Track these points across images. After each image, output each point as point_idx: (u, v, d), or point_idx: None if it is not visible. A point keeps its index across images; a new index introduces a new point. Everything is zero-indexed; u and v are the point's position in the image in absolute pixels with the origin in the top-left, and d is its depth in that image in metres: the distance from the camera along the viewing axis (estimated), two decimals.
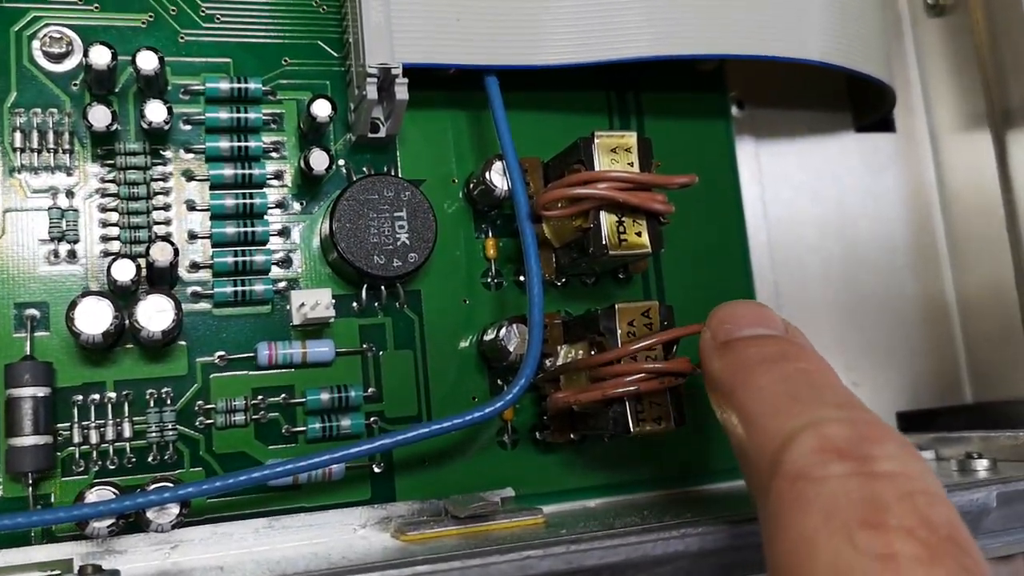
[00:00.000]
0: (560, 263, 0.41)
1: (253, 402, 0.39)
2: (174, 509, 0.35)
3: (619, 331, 0.37)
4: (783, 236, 0.52)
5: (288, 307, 0.40)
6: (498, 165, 0.41)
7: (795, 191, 0.53)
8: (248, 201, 0.40)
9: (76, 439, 0.37)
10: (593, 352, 0.38)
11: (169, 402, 0.38)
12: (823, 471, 0.25)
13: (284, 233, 0.40)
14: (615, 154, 0.38)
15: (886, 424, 0.27)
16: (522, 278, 0.43)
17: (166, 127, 0.38)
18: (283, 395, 0.40)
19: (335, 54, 0.42)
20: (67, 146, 0.38)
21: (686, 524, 0.32)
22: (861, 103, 0.54)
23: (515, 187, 0.39)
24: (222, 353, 0.39)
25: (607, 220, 0.38)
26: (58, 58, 0.39)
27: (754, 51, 0.44)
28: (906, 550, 0.23)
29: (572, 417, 0.41)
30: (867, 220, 0.54)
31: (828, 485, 0.25)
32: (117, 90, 0.39)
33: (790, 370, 0.29)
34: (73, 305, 0.35)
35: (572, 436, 0.41)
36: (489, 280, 0.43)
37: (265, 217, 0.40)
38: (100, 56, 0.37)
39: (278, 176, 0.41)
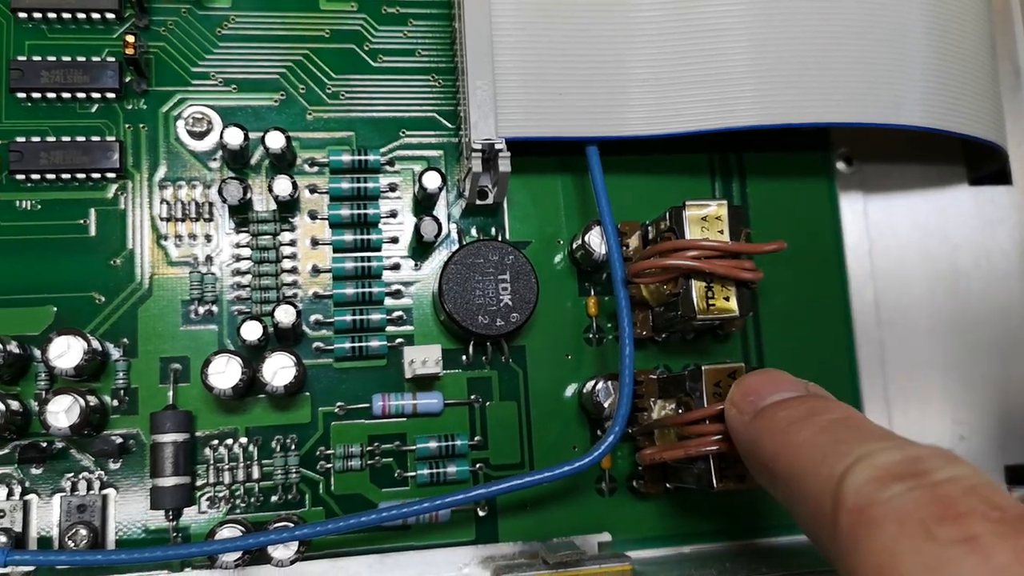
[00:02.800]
0: (657, 322, 0.42)
1: (368, 448, 0.41)
2: (295, 545, 0.38)
3: (705, 392, 0.37)
4: (890, 293, 0.50)
5: (401, 361, 0.42)
6: (597, 229, 0.41)
7: (904, 246, 0.51)
8: (366, 264, 0.42)
9: (211, 479, 0.39)
10: (680, 411, 0.38)
11: (294, 447, 0.41)
12: (886, 493, 0.26)
13: (398, 293, 0.42)
14: (705, 223, 0.38)
15: (930, 445, 0.28)
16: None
17: (292, 198, 0.41)
18: (396, 442, 0.42)
19: (450, 125, 0.44)
20: (207, 216, 0.41)
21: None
22: (975, 157, 0.52)
23: (612, 255, 0.40)
24: (341, 403, 0.41)
25: (696, 286, 0.38)
26: (200, 136, 0.42)
27: (851, 119, 0.43)
28: (986, 528, 0.24)
29: (664, 469, 0.41)
30: (980, 275, 0.51)
31: (894, 502, 0.26)
32: (253, 163, 0.42)
33: (824, 422, 0.30)
34: (207, 363, 0.38)
35: (667, 486, 0.42)
36: (591, 336, 0.44)
37: (382, 278, 0.42)
38: (234, 137, 0.40)
39: (394, 240, 0.43)
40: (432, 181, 0.41)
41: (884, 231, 0.51)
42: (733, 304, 0.38)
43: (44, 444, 0.39)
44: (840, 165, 0.50)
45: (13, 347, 0.38)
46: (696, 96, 0.43)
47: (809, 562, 0.40)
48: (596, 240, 0.41)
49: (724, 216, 0.39)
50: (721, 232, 0.39)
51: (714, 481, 0.37)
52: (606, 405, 0.41)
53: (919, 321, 0.50)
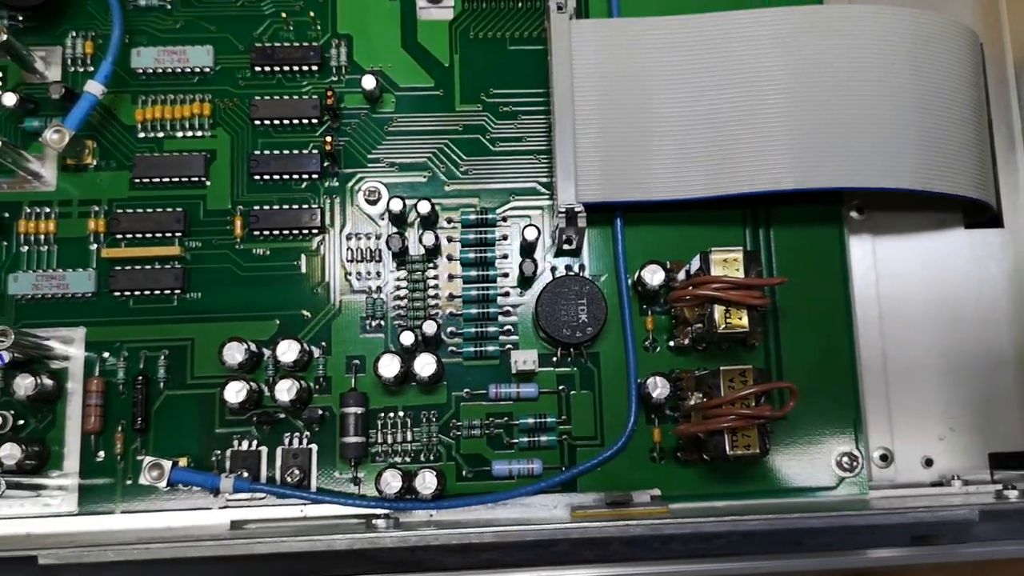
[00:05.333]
0: (695, 335, 0.54)
1: (485, 422, 0.53)
2: (433, 483, 0.51)
3: (722, 385, 0.49)
4: (893, 312, 0.57)
5: (510, 361, 0.53)
6: (649, 267, 0.53)
7: (907, 278, 0.58)
8: (485, 291, 0.54)
9: (379, 440, 0.52)
10: (704, 399, 0.50)
11: (435, 420, 0.53)
12: None
13: (508, 313, 0.55)
14: (726, 263, 0.50)
15: None
16: (672, 344, 0.55)
17: (435, 246, 0.54)
18: (504, 418, 0.53)
19: (546, 192, 0.56)
20: (377, 259, 0.54)
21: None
22: (969, 206, 0.59)
23: (622, 296, 0.53)
24: (468, 390, 0.53)
25: (718, 309, 0.50)
26: (373, 203, 0.55)
27: (868, 183, 0.52)
28: None
29: (699, 442, 0.53)
30: (972, 300, 0.58)
31: None
32: (409, 221, 0.55)
33: None
34: (377, 360, 0.50)
35: (704, 456, 0.53)
36: (647, 344, 0.55)
37: (496, 302, 0.54)
38: (396, 204, 0.53)
39: (505, 275, 0.54)
40: (531, 234, 0.53)
41: (890, 265, 0.58)
42: (745, 322, 0.50)
43: (272, 413, 0.51)
44: (853, 214, 0.59)
45: (252, 347, 0.51)
46: (743, 162, 0.53)
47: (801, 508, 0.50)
48: (648, 275, 0.54)
49: (740, 259, 0.51)
50: (738, 270, 0.51)
51: (727, 449, 0.49)
52: (654, 395, 0.53)
53: (918, 335, 0.57)
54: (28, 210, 0.54)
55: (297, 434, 0.52)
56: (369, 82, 0.55)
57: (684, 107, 0.53)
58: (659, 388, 0.52)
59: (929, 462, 0.56)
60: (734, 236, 0.56)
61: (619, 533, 0.40)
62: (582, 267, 0.55)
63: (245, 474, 0.51)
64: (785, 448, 0.54)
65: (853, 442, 0.54)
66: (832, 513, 0.42)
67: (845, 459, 0.54)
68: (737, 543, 0.42)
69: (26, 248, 0.54)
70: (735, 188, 0.53)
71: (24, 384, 0.49)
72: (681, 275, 0.54)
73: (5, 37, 0.51)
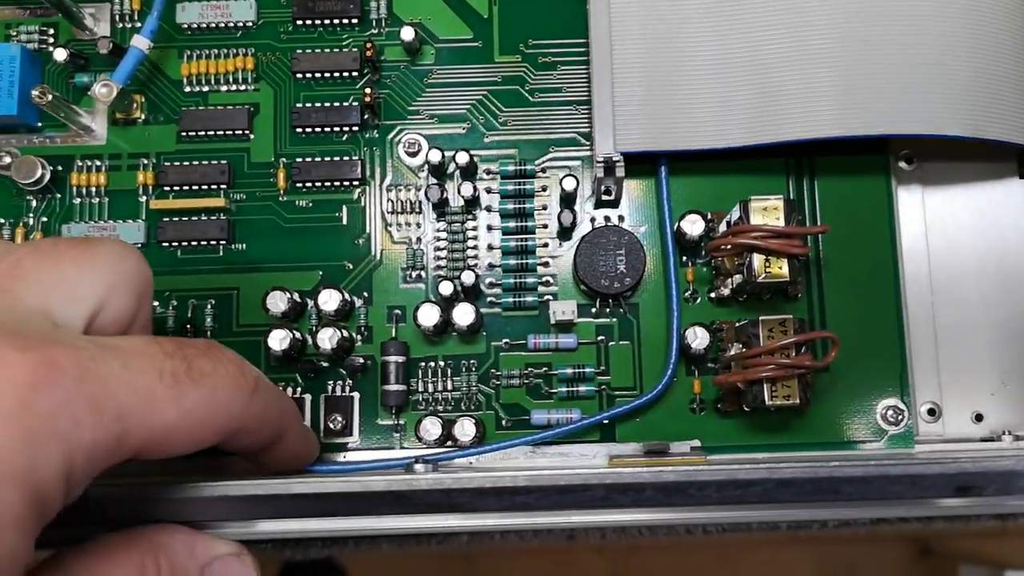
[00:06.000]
0: (735, 286, 0.52)
1: (524, 372, 0.52)
2: (472, 431, 0.51)
3: (761, 335, 0.48)
4: (944, 265, 0.55)
5: (548, 311, 0.53)
6: (689, 217, 0.52)
7: (958, 229, 0.56)
8: (524, 243, 0.53)
9: (419, 389, 0.52)
10: (743, 350, 0.49)
11: (475, 369, 0.52)
12: None
13: (546, 264, 0.54)
14: (766, 212, 0.49)
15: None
16: (712, 295, 0.54)
17: (474, 197, 0.54)
18: (543, 368, 0.52)
19: (585, 143, 0.55)
20: (417, 210, 0.54)
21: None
22: None
23: (668, 264, 0.51)
24: (507, 340, 0.52)
25: (757, 258, 0.48)
26: (413, 155, 0.54)
27: (895, 130, 0.50)
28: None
29: (738, 393, 0.52)
30: None
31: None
32: (448, 172, 0.55)
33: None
34: (416, 308, 0.51)
35: (744, 408, 0.52)
36: (687, 296, 0.54)
37: (535, 253, 0.54)
38: (435, 156, 0.53)
39: (544, 226, 0.54)
40: (569, 184, 0.52)
41: (940, 216, 0.56)
42: (785, 271, 0.48)
43: (315, 361, 0.52)
44: (902, 163, 0.57)
45: (296, 297, 0.51)
46: (787, 108, 0.51)
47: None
48: (688, 226, 0.52)
49: (780, 207, 0.49)
50: (778, 219, 0.49)
51: (766, 399, 0.48)
52: (693, 345, 0.52)
53: (969, 289, 0.55)
54: (80, 163, 0.55)
55: (340, 382, 0.52)
56: (408, 34, 0.54)
57: (725, 52, 0.51)
58: (698, 339, 0.51)
59: (979, 417, 0.54)
60: (776, 186, 0.55)
61: (652, 479, 0.40)
62: (621, 218, 0.54)
63: None
64: (828, 401, 0.53)
65: (898, 396, 0.53)
66: (870, 461, 0.40)
67: (890, 412, 0.52)
68: (773, 491, 0.41)
69: (78, 200, 0.55)
70: (778, 136, 0.51)
71: None
72: (722, 226, 0.53)
73: None
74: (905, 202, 0.56)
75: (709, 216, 0.53)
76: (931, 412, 0.54)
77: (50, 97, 0.50)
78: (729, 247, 0.49)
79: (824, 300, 0.54)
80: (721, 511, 0.41)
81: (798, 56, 0.51)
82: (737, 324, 0.51)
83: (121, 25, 0.57)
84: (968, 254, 0.56)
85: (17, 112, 0.53)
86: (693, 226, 0.52)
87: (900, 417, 0.52)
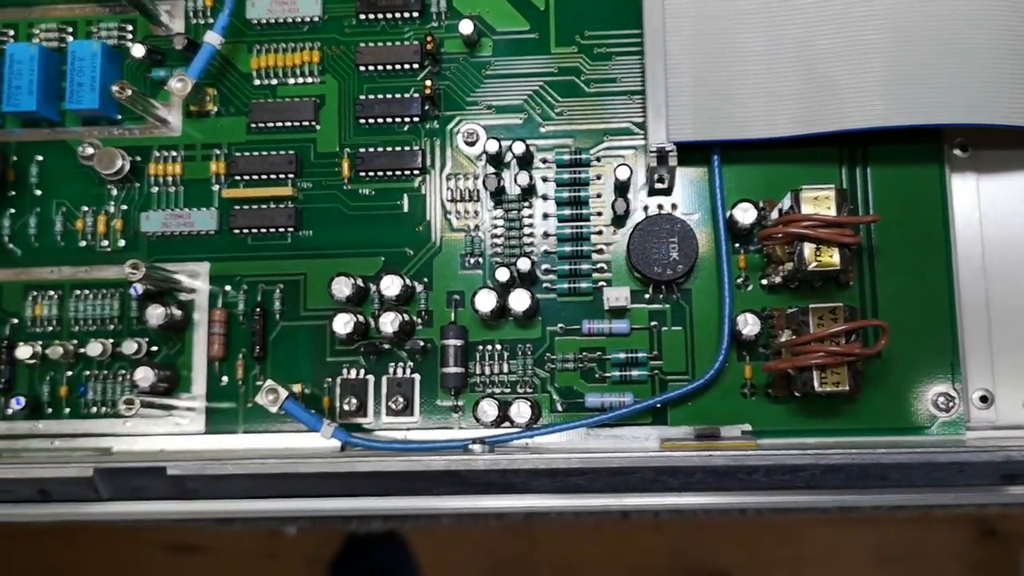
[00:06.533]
0: (787, 273, 0.53)
1: (579, 356, 0.53)
2: (527, 413, 0.52)
3: (811, 323, 0.48)
4: (998, 253, 0.55)
5: (602, 298, 0.54)
6: (741, 206, 0.53)
7: (1013, 217, 0.55)
8: (579, 230, 0.54)
9: (477, 371, 0.54)
10: (794, 336, 0.49)
11: (530, 353, 0.53)
12: None
13: (601, 251, 0.55)
14: (817, 201, 0.49)
15: None
16: (764, 282, 0.55)
17: (530, 185, 0.55)
18: (597, 352, 0.53)
19: (639, 131, 0.56)
20: (475, 198, 0.55)
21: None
22: None
23: (720, 252, 0.51)
24: (562, 325, 0.53)
25: (808, 247, 0.48)
26: (471, 144, 0.55)
27: (949, 119, 0.50)
28: None
29: (789, 379, 0.52)
30: None
31: None
32: (505, 161, 0.56)
33: None
34: (475, 294, 0.52)
35: (795, 393, 0.53)
36: (740, 283, 0.54)
37: (590, 240, 0.54)
38: (492, 145, 0.54)
39: (599, 214, 0.55)
40: (623, 173, 0.53)
41: (995, 204, 0.55)
42: (836, 260, 0.48)
43: (378, 344, 0.53)
44: (956, 151, 0.56)
45: (359, 282, 0.52)
46: (838, 98, 0.51)
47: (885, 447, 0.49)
48: (740, 214, 0.53)
49: (832, 196, 0.49)
50: (829, 208, 0.49)
51: (816, 385, 0.48)
52: (744, 332, 0.52)
53: (1023, 277, 0.55)
54: (157, 154, 0.58)
55: (401, 364, 0.54)
56: (467, 27, 0.55)
57: (777, 44, 0.51)
58: (749, 325, 0.51)
59: None
60: (829, 174, 0.55)
61: (701, 462, 0.41)
62: (674, 206, 0.55)
63: (353, 403, 0.53)
64: (879, 388, 0.53)
65: (950, 383, 0.53)
66: (916, 449, 0.41)
67: (941, 399, 0.52)
68: (822, 477, 0.42)
69: (156, 189, 0.57)
70: (831, 125, 0.51)
71: (155, 314, 0.53)
72: (774, 214, 0.53)
73: None
74: (959, 189, 0.55)
75: (761, 204, 0.53)
76: (983, 399, 0.54)
77: (129, 92, 0.52)
78: (780, 236, 0.49)
79: (876, 287, 0.54)
80: (769, 495, 0.41)
81: (849, 47, 0.50)
82: (788, 311, 0.51)
83: (194, 21, 0.59)
84: (1022, 241, 0.55)
85: (99, 106, 0.56)
86: (745, 214, 0.52)
87: (951, 404, 0.52)
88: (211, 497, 0.45)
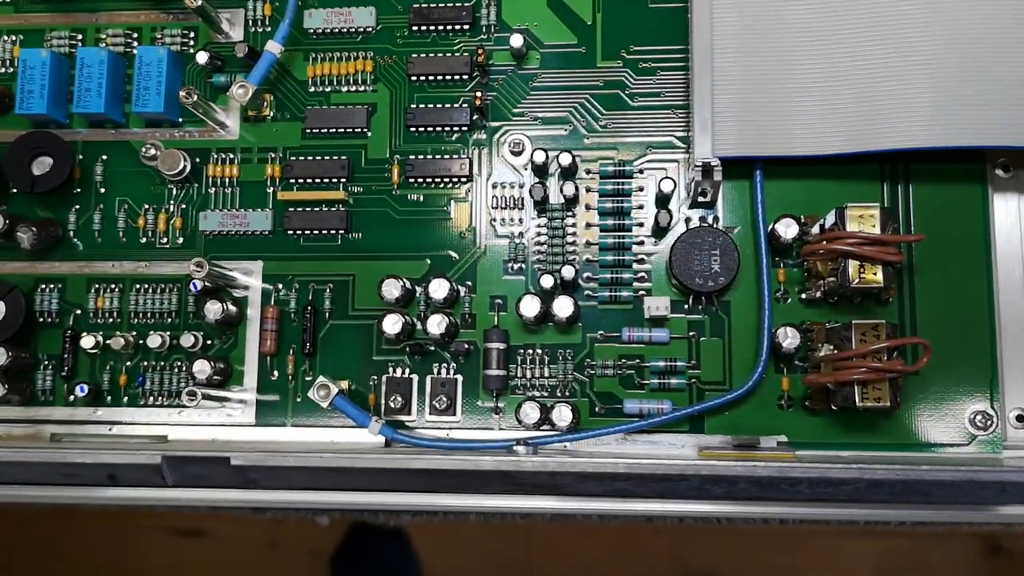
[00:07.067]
0: (827, 288, 0.53)
1: (618, 363, 0.54)
2: (569, 417, 0.53)
3: (854, 338, 0.48)
4: None
5: (642, 307, 0.54)
6: (783, 221, 0.53)
7: None
8: (621, 240, 0.55)
9: (518, 374, 0.54)
10: (835, 351, 0.49)
11: (570, 359, 0.54)
12: None
13: (642, 260, 0.55)
14: (862, 219, 0.49)
15: None
16: (803, 296, 0.55)
17: (575, 195, 0.56)
18: (636, 360, 0.54)
19: (682, 146, 0.56)
20: (520, 206, 0.55)
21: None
22: None
23: (761, 265, 0.52)
24: (601, 332, 0.54)
25: (852, 265, 0.49)
26: (517, 154, 0.56)
27: (995, 142, 0.50)
28: None
29: (827, 392, 0.52)
30: None
31: None
32: (550, 171, 0.57)
33: None
34: (519, 299, 0.53)
35: (832, 407, 0.53)
36: (779, 296, 0.55)
37: (631, 250, 0.55)
38: (539, 156, 0.55)
39: (640, 225, 0.55)
40: (667, 186, 0.53)
41: None
42: (880, 277, 0.49)
43: (423, 344, 0.54)
44: (999, 172, 0.56)
45: (407, 284, 0.54)
46: (885, 119, 0.51)
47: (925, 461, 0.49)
48: (782, 229, 0.53)
49: (876, 215, 0.49)
50: (874, 226, 0.49)
51: (857, 399, 0.48)
52: (784, 344, 0.52)
53: None
54: (215, 156, 0.59)
55: (444, 364, 0.55)
56: (517, 40, 0.56)
57: (826, 61, 0.51)
58: (789, 338, 0.51)
59: None
60: (870, 191, 0.55)
61: (746, 472, 0.41)
62: (715, 219, 0.55)
63: (399, 399, 0.54)
64: (917, 403, 0.52)
65: (988, 401, 0.52)
66: (962, 467, 0.40)
67: (979, 418, 0.52)
68: (864, 491, 0.42)
69: (213, 190, 0.59)
70: (877, 144, 0.51)
71: (213, 309, 0.54)
72: (814, 229, 0.53)
73: (200, 2, 0.55)
74: (1001, 209, 0.55)
75: (802, 219, 0.53)
76: (1020, 419, 0.53)
77: (195, 97, 0.54)
78: (824, 252, 0.50)
79: (915, 304, 0.54)
80: (809, 507, 0.42)
81: (897, 67, 0.50)
82: (828, 326, 0.51)
83: (253, 29, 0.60)
84: None
85: (163, 109, 0.57)
86: (787, 229, 0.52)
87: (989, 423, 0.52)
88: (269, 487, 0.46)
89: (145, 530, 1.18)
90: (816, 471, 0.42)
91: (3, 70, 0.62)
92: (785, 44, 0.52)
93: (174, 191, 0.59)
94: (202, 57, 0.57)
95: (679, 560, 1.15)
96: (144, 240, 0.59)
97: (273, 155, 0.59)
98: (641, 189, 0.55)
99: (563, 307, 0.51)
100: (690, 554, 1.15)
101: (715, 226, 0.55)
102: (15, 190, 0.59)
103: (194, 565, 1.17)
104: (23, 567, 1.20)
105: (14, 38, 0.62)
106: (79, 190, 0.60)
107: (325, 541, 1.09)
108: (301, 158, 0.58)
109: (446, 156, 0.56)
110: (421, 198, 0.57)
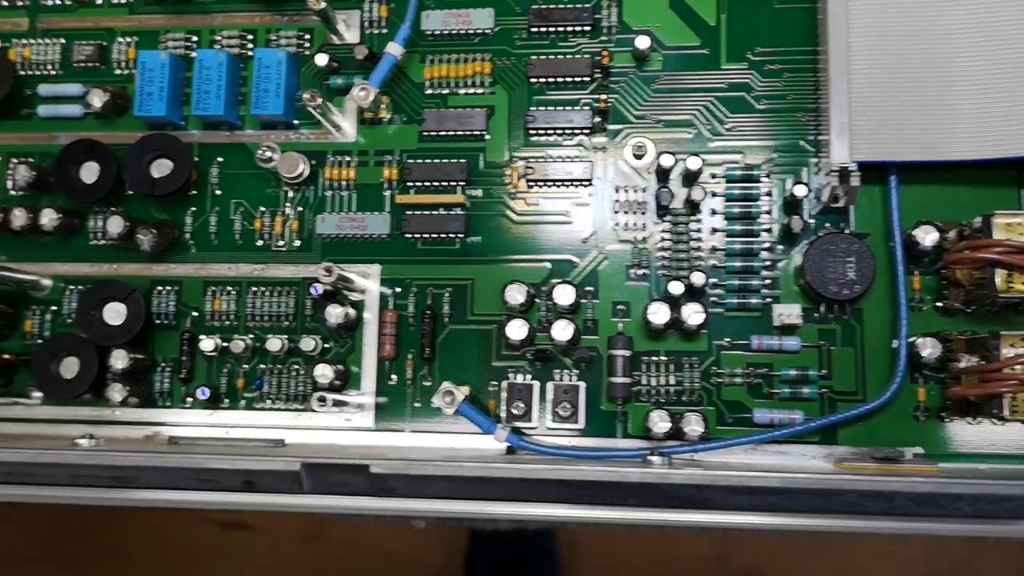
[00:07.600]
0: (967, 298, 0.51)
1: (746, 371, 0.53)
2: (699, 429, 0.52)
3: (1002, 349, 0.47)
4: None
5: (771, 314, 0.53)
6: (921, 227, 0.51)
7: None
8: (749, 246, 0.54)
9: (644, 382, 0.53)
10: (979, 362, 0.48)
11: (697, 366, 0.53)
12: None
13: (771, 267, 0.54)
14: (1009, 228, 0.47)
15: None
16: (939, 304, 0.53)
17: (700, 200, 0.54)
18: (765, 368, 0.52)
19: (810, 149, 0.55)
20: (643, 211, 0.54)
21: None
22: None
23: (897, 273, 0.50)
24: (728, 339, 0.53)
25: (1000, 274, 0.47)
26: (639, 158, 0.55)
27: None
28: None
29: (967, 404, 0.50)
30: None
31: None
32: (672, 176, 0.57)
33: None
34: (646, 306, 0.52)
35: (969, 421, 0.51)
36: (914, 305, 0.53)
37: (760, 256, 0.54)
38: (666, 160, 0.53)
39: (768, 230, 0.54)
40: (800, 191, 0.52)
41: None
42: None
43: (546, 350, 0.53)
44: None
45: (531, 289, 0.53)
46: (1019, 121, 0.50)
47: None
48: (921, 235, 0.51)
49: None
50: (1022, 234, 0.47)
51: (1005, 412, 0.46)
52: (924, 354, 0.50)
53: None
54: (332, 158, 0.58)
55: (565, 371, 0.54)
56: (643, 42, 0.55)
57: (981, 61, 0.49)
58: (929, 348, 0.50)
59: None
60: (1007, 197, 0.53)
61: (904, 488, 0.39)
62: (845, 224, 0.54)
63: (519, 409, 0.53)
64: None
65: None
66: None
67: None
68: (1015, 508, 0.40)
69: (330, 193, 0.58)
70: (1010, 151, 0.49)
71: (335, 313, 0.53)
72: (952, 235, 0.51)
73: (323, 5, 0.55)
74: None
75: (941, 226, 0.51)
76: None
77: (319, 100, 0.53)
78: (968, 260, 0.48)
79: None
80: (971, 524, 0.40)
81: None
82: (971, 336, 0.50)
83: (369, 31, 0.60)
84: None
85: (283, 112, 0.57)
86: (927, 236, 0.50)
87: None
88: (405, 495, 0.45)
89: (191, 520, 1.18)
90: (977, 487, 0.40)
91: (118, 71, 0.61)
92: (934, 44, 0.50)
93: (290, 193, 0.58)
94: (322, 59, 0.57)
95: (723, 561, 1.13)
96: (260, 243, 0.58)
97: (390, 158, 0.58)
98: (768, 194, 0.54)
99: (693, 314, 0.50)
100: (733, 556, 1.13)
101: (850, 232, 0.53)
102: (131, 192, 0.59)
103: (242, 559, 1.17)
104: (63, 556, 1.20)
105: (129, 40, 0.61)
106: (195, 192, 0.59)
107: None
108: (419, 161, 0.57)
109: (567, 159, 0.55)
110: (540, 202, 0.56)
